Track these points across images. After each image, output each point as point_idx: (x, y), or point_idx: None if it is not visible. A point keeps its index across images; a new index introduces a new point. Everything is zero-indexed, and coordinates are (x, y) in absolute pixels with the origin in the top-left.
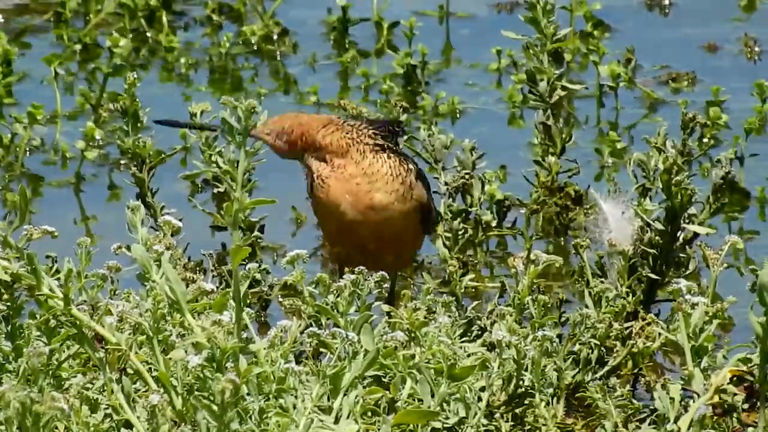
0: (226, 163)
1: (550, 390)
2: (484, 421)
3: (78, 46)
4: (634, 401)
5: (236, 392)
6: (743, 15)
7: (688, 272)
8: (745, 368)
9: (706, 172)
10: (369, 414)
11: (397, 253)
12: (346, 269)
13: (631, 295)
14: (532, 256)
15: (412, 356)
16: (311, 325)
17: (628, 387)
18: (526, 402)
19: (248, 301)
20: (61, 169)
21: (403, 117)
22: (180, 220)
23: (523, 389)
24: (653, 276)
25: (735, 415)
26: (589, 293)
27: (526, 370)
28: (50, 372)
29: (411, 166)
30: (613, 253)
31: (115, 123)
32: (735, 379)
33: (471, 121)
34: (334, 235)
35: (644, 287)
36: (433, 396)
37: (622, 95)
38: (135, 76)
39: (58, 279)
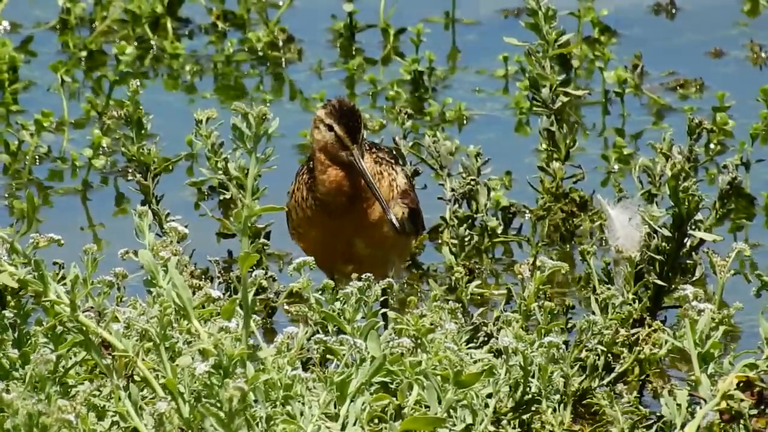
0: (236, 170)
1: (557, 396)
2: (491, 428)
3: (83, 53)
4: (641, 408)
5: (243, 399)
6: (747, 20)
7: (694, 279)
8: (752, 374)
9: (713, 178)
10: (376, 420)
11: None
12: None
13: (637, 301)
14: (537, 263)
15: (419, 363)
16: (318, 332)
17: (635, 393)
18: (533, 408)
19: (255, 308)
20: (71, 178)
21: (408, 123)
22: (186, 226)
23: (530, 396)
24: (660, 282)
25: (742, 421)
26: (596, 300)
27: (532, 376)
28: (57, 379)
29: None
30: (619, 260)
31: (122, 130)
32: (741, 384)
33: (478, 128)
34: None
35: (651, 294)
36: (440, 402)
37: (629, 101)
38: (138, 83)
39: (65, 285)
